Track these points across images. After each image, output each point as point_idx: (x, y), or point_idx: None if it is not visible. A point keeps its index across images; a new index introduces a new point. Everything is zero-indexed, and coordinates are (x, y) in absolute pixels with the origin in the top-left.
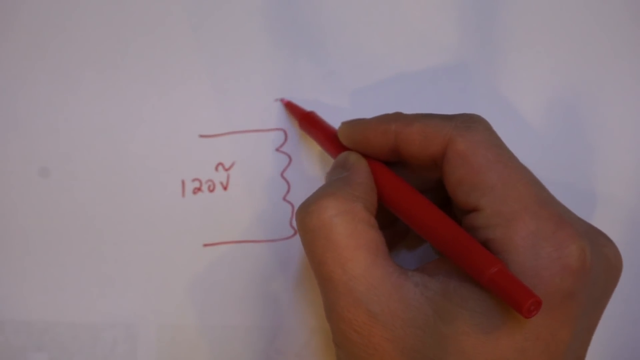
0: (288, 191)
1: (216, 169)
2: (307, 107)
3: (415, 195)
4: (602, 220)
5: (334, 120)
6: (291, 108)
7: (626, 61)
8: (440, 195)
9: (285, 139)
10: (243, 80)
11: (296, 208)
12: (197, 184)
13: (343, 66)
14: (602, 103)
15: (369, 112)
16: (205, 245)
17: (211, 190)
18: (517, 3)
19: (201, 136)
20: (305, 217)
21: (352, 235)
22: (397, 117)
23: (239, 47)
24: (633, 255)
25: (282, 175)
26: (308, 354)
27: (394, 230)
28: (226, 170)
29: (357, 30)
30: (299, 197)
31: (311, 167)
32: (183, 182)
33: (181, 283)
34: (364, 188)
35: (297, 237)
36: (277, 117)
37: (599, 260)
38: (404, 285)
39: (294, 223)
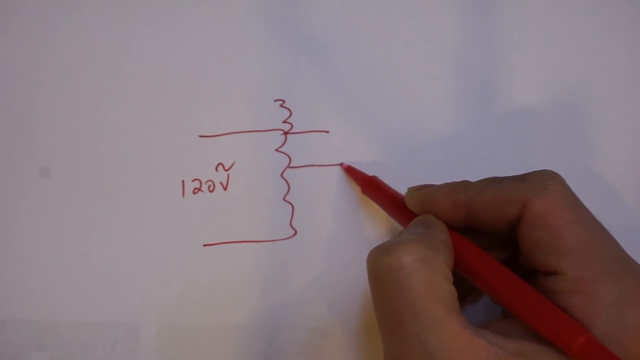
0: (288, 191)
1: (216, 169)
2: (312, 103)
3: (492, 263)
4: (602, 220)
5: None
6: (352, 173)
7: (626, 61)
8: (508, 250)
9: (285, 139)
10: (243, 80)
11: (296, 208)
12: (197, 184)
13: (343, 66)
14: (602, 103)
15: (373, 113)
16: (205, 245)
17: (211, 190)
18: (516, 3)
19: (201, 136)
20: (383, 257)
21: (430, 284)
22: (466, 186)
23: (239, 47)
24: (633, 256)
25: (282, 175)
26: (308, 354)
27: (459, 289)
28: (226, 170)
29: (357, 30)
30: (299, 197)
31: (311, 167)
32: (183, 182)
33: (181, 283)
34: (445, 244)
35: (297, 237)
36: (277, 117)
37: None
38: (477, 343)
39: (294, 223)
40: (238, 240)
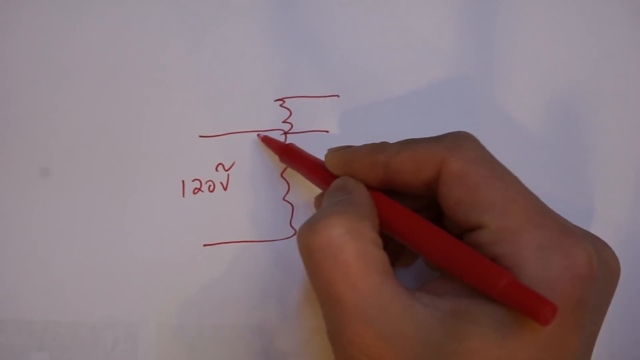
0: (288, 191)
1: (216, 169)
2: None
3: (414, 218)
4: (602, 221)
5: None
6: (269, 142)
7: (626, 61)
8: (432, 214)
9: (285, 139)
10: (243, 80)
11: (296, 208)
12: (197, 184)
13: (343, 66)
14: (601, 103)
15: (373, 113)
16: (205, 245)
17: (211, 190)
18: (516, 4)
19: (201, 136)
20: (312, 235)
21: (362, 254)
22: (384, 147)
23: (239, 47)
24: (632, 256)
25: (282, 175)
26: (308, 354)
27: (389, 250)
28: (226, 170)
29: (357, 30)
30: (299, 197)
31: None
32: (183, 182)
33: (181, 283)
34: (369, 209)
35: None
36: (277, 117)
37: (600, 266)
38: (413, 306)
39: (294, 223)
40: (238, 240)
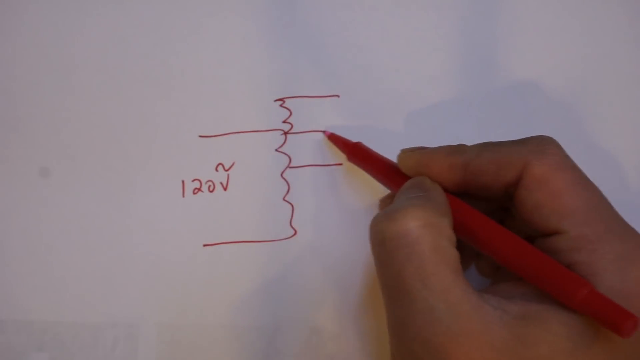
0: (288, 191)
1: (216, 169)
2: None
3: (490, 221)
4: None
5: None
6: (336, 140)
7: (626, 61)
8: (497, 219)
9: (285, 139)
10: (243, 80)
11: (296, 208)
12: (197, 184)
13: (343, 66)
14: (601, 103)
15: (373, 112)
16: (205, 245)
17: (211, 191)
18: (516, 4)
19: (201, 136)
20: (389, 223)
21: (437, 249)
22: (463, 149)
23: (239, 47)
24: None
25: (282, 175)
26: (308, 354)
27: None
28: (226, 170)
29: (357, 30)
30: (299, 197)
31: (311, 167)
32: (183, 182)
33: (181, 283)
34: (446, 207)
35: (297, 237)
36: (277, 117)
37: None
38: (483, 307)
39: (294, 223)
40: (238, 240)
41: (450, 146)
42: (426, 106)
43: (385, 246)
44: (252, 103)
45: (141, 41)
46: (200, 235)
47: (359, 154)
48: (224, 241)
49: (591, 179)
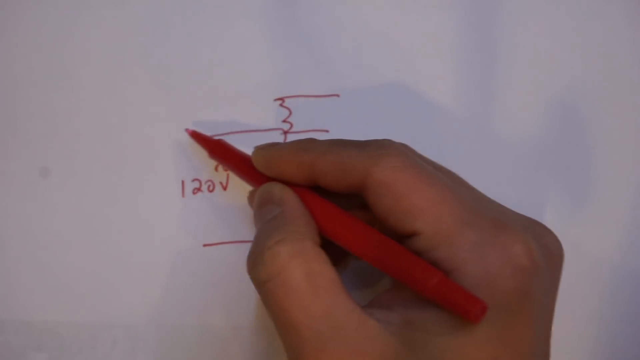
0: None
1: (216, 169)
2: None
3: (345, 216)
4: (602, 220)
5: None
6: (198, 138)
7: (626, 61)
8: (367, 213)
9: (285, 139)
10: (243, 80)
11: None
12: (197, 184)
13: (343, 66)
14: (601, 103)
15: (373, 112)
16: (205, 245)
17: (211, 190)
18: (516, 4)
19: None
20: (260, 268)
21: (310, 277)
22: (311, 146)
23: (239, 46)
24: (632, 256)
25: None
26: None
27: (331, 250)
28: (226, 170)
29: (357, 30)
30: None
31: None
32: (183, 182)
33: (181, 283)
34: (304, 221)
35: None
36: (277, 116)
37: (542, 252)
38: (367, 322)
39: None
40: (238, 240)
41: (299, 142)
42: (426, 106)
43: (263, 289)
44: (251, 103)
45: (141, 41)
46: (200, 235)
47: (219, 152)
48: (224, 241)
49: (591, 179)
